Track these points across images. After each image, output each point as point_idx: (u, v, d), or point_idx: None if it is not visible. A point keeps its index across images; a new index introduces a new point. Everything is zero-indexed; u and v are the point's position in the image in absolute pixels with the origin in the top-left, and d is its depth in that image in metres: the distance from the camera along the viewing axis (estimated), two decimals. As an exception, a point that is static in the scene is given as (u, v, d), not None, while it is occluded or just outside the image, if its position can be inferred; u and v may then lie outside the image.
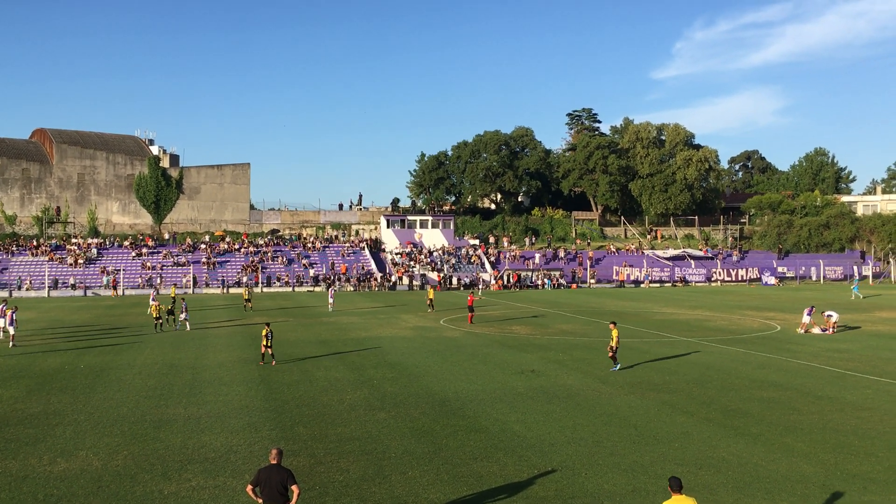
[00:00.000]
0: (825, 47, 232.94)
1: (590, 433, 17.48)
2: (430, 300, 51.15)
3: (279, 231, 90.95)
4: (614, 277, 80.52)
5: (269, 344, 27.52)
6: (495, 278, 76.15)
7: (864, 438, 17.00)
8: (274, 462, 10.68)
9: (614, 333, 26.00)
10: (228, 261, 78.14)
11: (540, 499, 13.10)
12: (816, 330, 36.69)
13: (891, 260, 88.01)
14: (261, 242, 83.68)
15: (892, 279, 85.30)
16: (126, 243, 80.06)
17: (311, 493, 13.35)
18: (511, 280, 77.32)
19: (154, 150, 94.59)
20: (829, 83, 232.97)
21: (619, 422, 18.59)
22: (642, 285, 79.96)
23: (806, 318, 37.47)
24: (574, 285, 78.24)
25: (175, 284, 64.47)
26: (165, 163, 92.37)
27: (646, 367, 26.58)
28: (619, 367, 25.95)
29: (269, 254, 79.81)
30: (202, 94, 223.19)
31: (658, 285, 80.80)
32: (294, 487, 10.41)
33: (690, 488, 13.04)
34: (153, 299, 46.22)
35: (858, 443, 16.63)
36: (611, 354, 26.02)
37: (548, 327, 39.72)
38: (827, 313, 37.38)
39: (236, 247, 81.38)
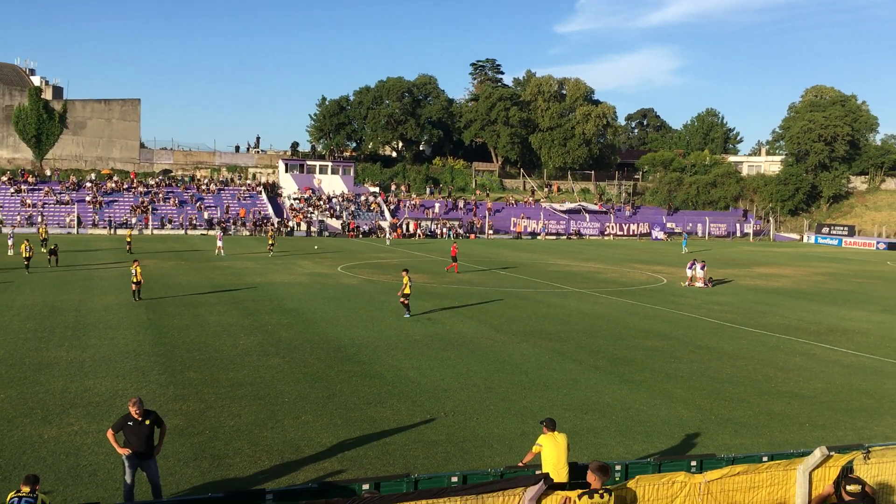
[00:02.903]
0: (721, 10, 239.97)
1: (482, 379, 17.87)
2: (271, 244, 51.78)
3: (171, 172, 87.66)
4: (512, 229, 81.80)
5: (137, 280, 28.10)
6: (394, 226, 76.02)
7: (738, 386, 18.04)
8: (137, 414, 10.39)
9: (405, 280, 26.52)
10: (116, 201, 74.96)
11: (432, 442, 13.35)
12: (699, 284, 38.43)
13: (771, 219, 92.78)
14: (151, 183, 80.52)
15: (771, 237, 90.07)
16: (3, 179, 75.54)
17: (202, 438, 13.17)
18: (412, 229, 77.45)
19: (35, 80, 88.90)
20: (722, 46, 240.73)
21: (511, 369, 19.08)
22: (539, 237, 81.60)
23: (689, 272, 39.19)
24: (472, 235, 79.09)
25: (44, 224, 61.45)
26: (48, 95, 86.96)
27: (539, 317, 27.26)
28: (409, 314, 26.39)
29: (161, 195, 77.03)
30: (88, 22, 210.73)
31: (554, 237, 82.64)
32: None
33: (576, 432, 13.57)
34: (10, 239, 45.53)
35: (732, 390, 17.64)
36: (403, 301, 26.52)
37: (445, 276, 40.10)
38: (699, 267, 39.05)
39: (125, 186, 78.10)
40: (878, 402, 17.01)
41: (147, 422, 10.40)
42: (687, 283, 38.62)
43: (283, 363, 18.93)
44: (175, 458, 12.23)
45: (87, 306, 26.85)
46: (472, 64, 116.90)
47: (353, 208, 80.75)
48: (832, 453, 8.14)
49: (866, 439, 13.25)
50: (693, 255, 51.24)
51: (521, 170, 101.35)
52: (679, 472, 8.28)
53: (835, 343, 23.84)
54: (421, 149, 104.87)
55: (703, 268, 39.21)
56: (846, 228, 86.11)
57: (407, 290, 26.52)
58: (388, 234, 70.46)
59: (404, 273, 27.28)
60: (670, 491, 7.81)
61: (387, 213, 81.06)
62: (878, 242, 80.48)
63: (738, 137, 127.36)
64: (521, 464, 10.26)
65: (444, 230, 78.31)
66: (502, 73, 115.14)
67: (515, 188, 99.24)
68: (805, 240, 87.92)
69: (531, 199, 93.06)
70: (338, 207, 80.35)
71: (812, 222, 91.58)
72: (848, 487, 7.87)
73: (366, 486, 8.65)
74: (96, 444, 12.69)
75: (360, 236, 74.39)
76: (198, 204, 76.42)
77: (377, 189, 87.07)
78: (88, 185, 76.96)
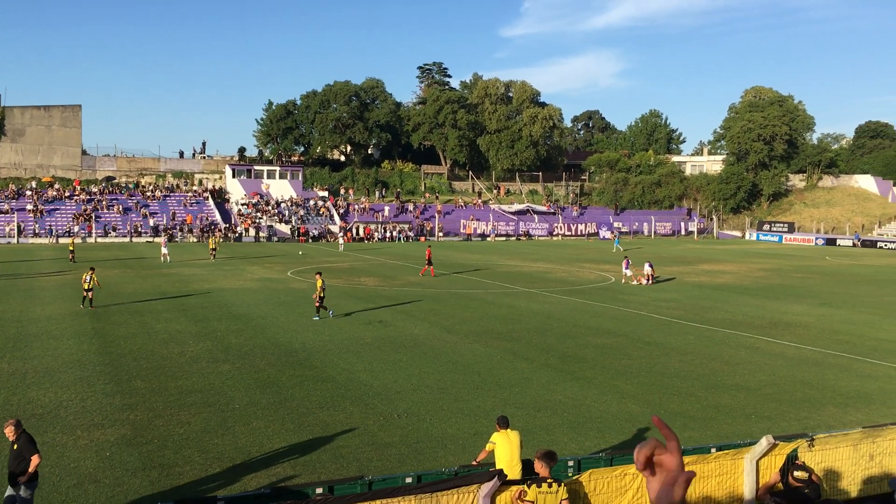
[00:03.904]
0: (662, 13, 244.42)
1: (435, 380, 17.88)
2: (213, 248, 51.72)
3: (115, 179, 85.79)
4: (462, 231, 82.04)
5: (89, 288, 27.73)
6: (344, 230, 75.59)
7: (686, 380, 18.37)
8: (10, 434, 9.80)
9: (319, 283, 26.61)
10: (58, 209, 73.10)
11: (385, 444, 13.31)
12: (635, 282, 38.90)
13: (714, 217, 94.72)
14: (94, 190, 78.73)
15: (715, 235, 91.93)
16: (-62, 188, 73.12)
17: (150, 447, 12.92)
18: (363, 233, 77.10)
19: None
20: (664, 49, 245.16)
21: (464, 369, 19.12)
22: (488, 239, 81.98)
23: (625, 271, 39.71)
24: (423, 238, 79.11)
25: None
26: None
27: (490, 317, 27.38)
28: (320, 316, 26.37)
29: (104, 202, 75.38)
30: (25, 28, 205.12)
31: (504, 239, 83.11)
32: (34, 458, 9.67)
33: (529, 430, 13.65)
34: None
35: (681, 384, 17.96)
36: (317, 304, 26.58)
37: (396, 279, 40.02)
38: (647, 265, 39.74)
39: (67, 194, 76.23)
40: (820, 392, 17.48)
41: (16, 446, 9.78)
42: (632, 281, 39.09)
43: (233, 369, 18.67)
44: (122, 468, 11.97)
45: (29, 316, 26.12)
46: (420, 67, 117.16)
47: (302, 213, 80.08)
48: (778, 442, 8.34)
49: (810, 428, 13.60)
50: (626, 252, 52.16)
51: (470, 172, 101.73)
52: (630, 465, 8.39)
53: (778, 336, 24.43)
54: (369, 152, 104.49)
55: (627, 266, 39.73)
56: (786, 225, 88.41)
57: (320, 293, 26.45)
58: (340, 239, 68.54)
59: (317, 276, 27.27)
60: (622, 483, 7.92)
61: (336, 218, 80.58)
62: (816, 238, 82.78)
63: (681, 138, 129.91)
64: (475, 462, 10.30)
65: (395, 233, 78.15)
66: (449, 76, 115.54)
67: (464, 190, 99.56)
68: (747, 237, 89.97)
69: (480, 201, 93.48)
70: (287, 212, 79.60)
71: (753, 220, 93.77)
72: (794, 474, 8.07)
73: (319, 490, 8.58)
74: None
75: (311, 241, 73.81)
76: (143, 211, 74.95)
77: (326, 193, 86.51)
78: (29, 193, 74.90)
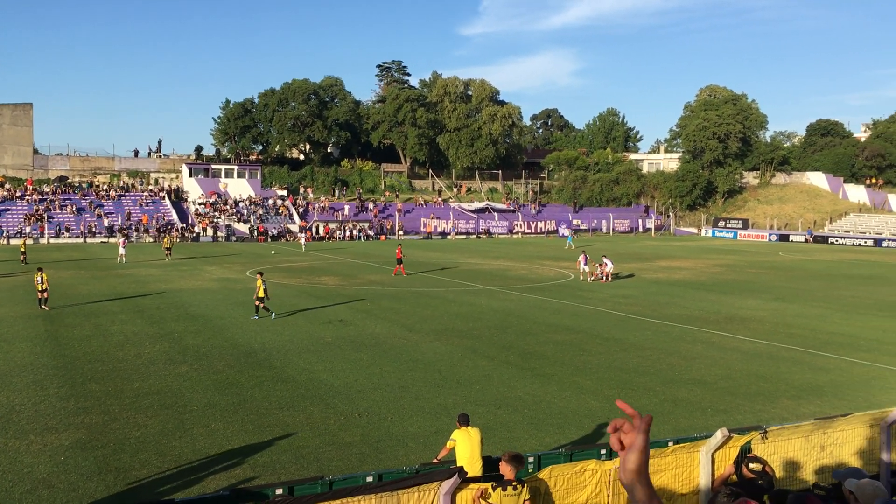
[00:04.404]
0: (617, 13, 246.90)
1: (396, 379, 17.86)
2: (168, 248, 51.80)
3: (68, 178, 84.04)
4: (422, 229, 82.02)
5: (43, 289, 27.39)
6: (304, 229, 75.03)
7: (644, 375, 18.61)
8: None
9: (259, 283, 26.58)
10: (9, 209, 71.40)
11: (346, 444, 13.26)
12: (592, 278, 39.16)
13: (670, 214, 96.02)
14: (47, 190, 77.08)
15: (672, 231, 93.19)
16: None
17: (105, 451, 12.71)
18: (323, 231, 76.61)
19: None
20: (619, 48, 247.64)
21: (425, 367, 19.13)
22: (449, 237, 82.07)
23: (584, 267, 40.01)
24: (383, 237, 78.90)
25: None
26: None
27: (451, 315, 27.43)
28: (259, 316, 26.26)
29: (57, 202, 73.83)
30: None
31: (464, 237, 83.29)
32: None
33: (490, 427, 13.72)
34: None
35: (639, 379, 18.19)
36: (256, 303, 26.54)
37: (356, 277, 39.88)
38: (604, 261, 40.03)
39: (18, 194, 74.50)
40: (774, 385, 17.84)
41: None
42: (589, 277, 39.29)
43: (191, 371, 18.44)
44: (77, 472, 11.76)
45: (-22, 320, 25.49)
46: (378, 66, 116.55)
47: (261, 212, 79.33)
48: (732, 435, 8.49)
49: (764, 421, 13.88)
50: (579, 249, 52.53)
51: (430, 170, 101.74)
52: (590, 460, 8.48)
53: (733, 331, 24.86)
54: (329, 151, 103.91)
55: (585, 262, 40.00)
56: (740, 222, 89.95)
57: (260, 294, 26.29)
58: (303, 239, 66.16)
59: (258, 276, 27.11)
60: (581, 479, 8.00)
61: (296, 217, 79.99)
62: (769, 234, 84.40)
63: (638, 136, 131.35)
64: (435, 460, 10.32)
65: (356, 232, 77.84)
66: (409, 74, 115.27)
67: (424, 189, 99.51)
68: (703, 233, 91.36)
69: (440, 199, 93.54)
70: (245, 212, 78.78)
71: (709, 217, 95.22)
72: (748, 466, 8.22)
73: (279, 491, 8.51)
74: (-9, 463, 12.07)
75: (269, 240, 73.15)
76: (97, 211, 73.57)
77: (285, 192, 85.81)
78: (-23, 193, 73.04)
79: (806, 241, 79.99)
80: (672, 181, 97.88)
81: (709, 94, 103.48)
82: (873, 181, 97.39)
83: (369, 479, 8.95)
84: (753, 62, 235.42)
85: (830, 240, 79.48)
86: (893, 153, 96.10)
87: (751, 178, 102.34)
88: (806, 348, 22.13)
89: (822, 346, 22.42)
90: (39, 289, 27.68)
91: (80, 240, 68.32)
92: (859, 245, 76.01)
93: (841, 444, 8.96)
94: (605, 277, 39.02)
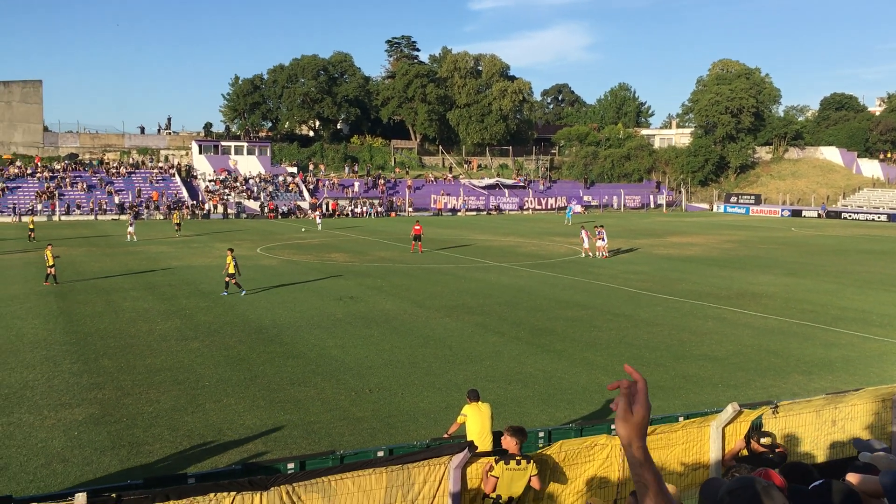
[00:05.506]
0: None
1: (406, 355, 17.90)
2: (178, 224, 53.26)
3: (78, 156, 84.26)
4: (432, 206, 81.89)
5: (52, 264, 27.79)
6: (314, 207, 75.01)
7: (655, 351, 18.59)
8: None
9: (229, 259, 26.60)
10: (20, 187, 71.70)
11: (357, 419, 13.32)
12: (598, 254, 38.64)
13: (682, 189, 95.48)
14: (57, 167, 77.31)
15: (683, 207, 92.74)
16: None
17: (119, 426, 12.82)
18: (330, 208, 76.61)
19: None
20: (631, 22, 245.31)
21: (435, 343, 19.16)
22: (459, 213, 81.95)
23: (587, 242, 39.71)
24: (393, 213, 78.85)
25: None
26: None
27: (461, 292, 27.43)
28: (228, 292, 26.33)
29: (68, 180, 74.06)
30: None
31: (474, 213, 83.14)
32: None
33: (500, 402, 13.75)
34: None
35: (650, 355, 18.17)
36: (227, 279, 26.59)
37: (366, 254, 39.91)
38: (598, 233, 39.08)
39: (29, 172, 74.75)
40: (785, 360, 17.79)
41: None
42: (599, 253, 38.87)
43: (203, 347, 18.54)
44: (91, 447, 11.87)
45: (-8, 297, 25.69)
46: (388, 41, 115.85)
47: (270, 189, 79.36)
48: (743, 409, 8.47)
49: (775, 396, 13.85)
50: (577, 224, 52.20)
51: (440, 147, 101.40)
52: (601, 434, 8.48)
53: (744, 307, 24.77)
54: (338, 127, 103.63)
55: (587, 235, 39.69)
56: (753, 197, 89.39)
57: (231, 270, 26.39)
58: (318, 218, 61.35)
59: (228, 252, 27.14)
60: (591, 453, 8.00)
61: (306, 193, 79.98)
62: (782, 210, 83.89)
63: (650, 111, 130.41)
64: (446, 434, 10.35)
65: (366, 209, 77.81)
66: (418, 49, 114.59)
67: (434, 165, 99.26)
68: (715, 209, 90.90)
69: (450, 175, 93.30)
70: (255, 189, 78.83)
71: (721, 192, 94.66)
72: (760, 440, 8.21)
73: (290, 465, 8.57)
74: (6, 438, 12.20)
75: (279, 217, 73.23)
76: (107, 188, 73.77)
77: (295, 169, 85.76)
78: (-11, 171, 73.37)
79: (819, 216, 79.46)
80: (684, 156, 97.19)
81: (721, 68, 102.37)
82: (888, 155, 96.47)
83: (380, 453, 9.00)
84: (767, 36, 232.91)
85: (844, 215, 78.94)
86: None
87: (763, 152, 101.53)
88: (817, 324, 22.04)
89: (833, 322, 22.33)
90: (49, 264, 28.08)
91: (91, 217, 68.59)
92: (873, 220, 75.47)
93: (852, 418, 8.92)
94: (602, 253, 38.47)
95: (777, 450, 8.27)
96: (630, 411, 2.68)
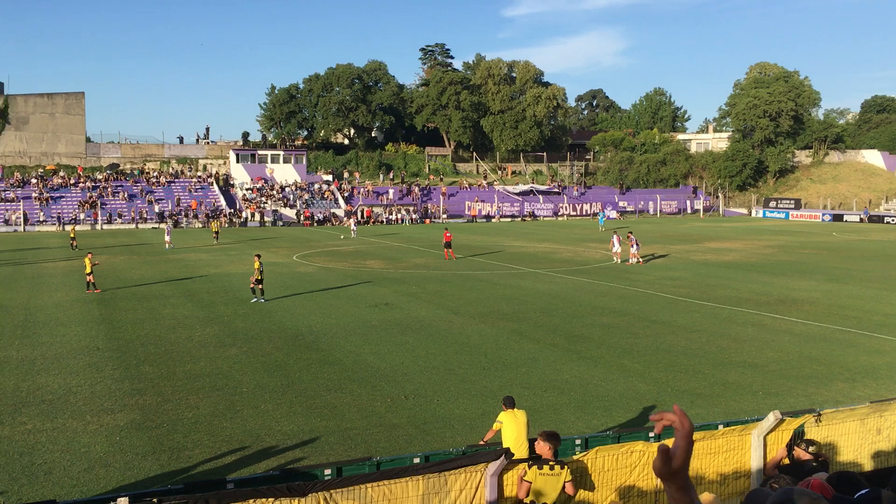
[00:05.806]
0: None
1: (442, 362, 17.91)
2: (216, 232, 53.41)
3: (119, 165, 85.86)
4: (466, 212, 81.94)
5: (90, 272, 28.48)
6: (349, 214, 75.45)
7: (693, 358, 18.36)
8: None
9: (256, 265, 26.72)
10: (63, 196, 73.26)
11: (393, 426, 13.35)
12: (632, 260, 38.31)
13: (720, 194, 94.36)
14: (99, 177, 78.86)
15: (721, 212, 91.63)
16: (-56, 178, 73.23)
17: (159, 431, 13.00)
18: (364, 215, 77.02)
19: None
20: (667, 26, 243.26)
21: (471, 350, 19.14)
22: (493, 220, 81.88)
23: (618, 247, 39.32)
24: (427, 220, 79.03)
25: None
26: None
27: (496, 298, 27.38)
28: (256, 300, 26.45)
29: (110, 189, 75.47)
30: (27, 16, 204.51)
31: (509, 220, 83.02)
32: None
33: (536, 409, 13.69)
34: None
35: (687, 362, 17.95)
36: (252, 285, 26.74)
37: (401, 261, 40.04)
38: (630, 240, 38.78)
39: (72, 182, 76.33)
40: (827, 368, 17.46)
41: None
42: (633, 260, 38.39)
43: (241, 353, 18.73)
44: (133, 452, 12.05)
45: (37, 304, 26.24)
46: (422, 49, 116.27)
47: (306, 197, 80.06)
48: (785, 418, 8.33)
49: (817, 404, 13.61)
50: (610, 230, 51.64)
51: (474, 153, 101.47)
52: (637, 442, 8.40)
53: (785, 313, 24.38)
54: (373, 135, 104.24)
55: (619, 241, 39.32)
56: (792, 202, 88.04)
57: (258, 276, 26.58)
58: (353, 226, 60.88)
59: (256, 258, 27.48)
60: (629, 460, 7.92)
61: (341, 201, 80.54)
62: (823, 214, 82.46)
63: (686, 115, 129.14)
64: (482, 442, 10.32)
65: (401, 216, 78.10)
66: (452, 57, 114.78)
67: (469, 172, 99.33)
68: (753, 214, 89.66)
69: (484, 182, 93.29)
70: (291, 196, 79.58)
71: (760, 197, 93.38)
72: (802, 449, 8.07)
73: (328, 472, 8.61)
74: (50, 443, 12.44)
75: (315, 224, 73.79)
76: (148, 197, 75.04)
77: (330, 177, 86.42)
78: (34, 181, 75.05)
79: (861, 220, 77.96)
80: (721, 161, 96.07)
81: (759, 71, 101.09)
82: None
83: (416, 460, 9.00)
84: (806, 38, 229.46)
85: (886, 219, 77.31)
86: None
87: (803, 156, 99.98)
88: (861, 330, 21.60)
89: (877, 328, 21.87)
90: (88, 272, 28.77)
91: (132, 226, 69.80)
92: (917, 224, 73.83)
93: (898, 427, 8.73)
94: (630, 259, 38.16)
95: (820, 458, 8.13)
96: (669, 456, 2.41)
